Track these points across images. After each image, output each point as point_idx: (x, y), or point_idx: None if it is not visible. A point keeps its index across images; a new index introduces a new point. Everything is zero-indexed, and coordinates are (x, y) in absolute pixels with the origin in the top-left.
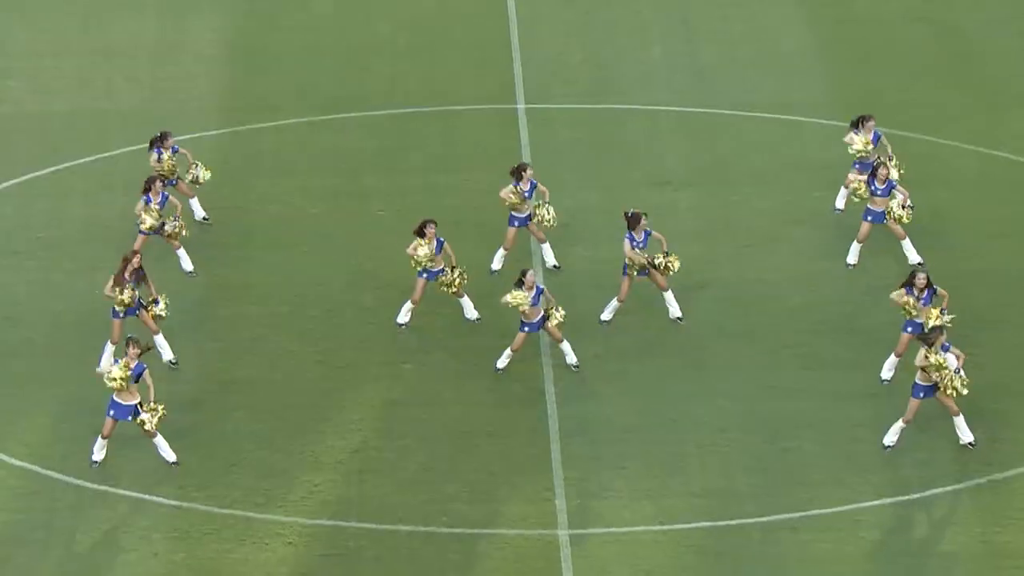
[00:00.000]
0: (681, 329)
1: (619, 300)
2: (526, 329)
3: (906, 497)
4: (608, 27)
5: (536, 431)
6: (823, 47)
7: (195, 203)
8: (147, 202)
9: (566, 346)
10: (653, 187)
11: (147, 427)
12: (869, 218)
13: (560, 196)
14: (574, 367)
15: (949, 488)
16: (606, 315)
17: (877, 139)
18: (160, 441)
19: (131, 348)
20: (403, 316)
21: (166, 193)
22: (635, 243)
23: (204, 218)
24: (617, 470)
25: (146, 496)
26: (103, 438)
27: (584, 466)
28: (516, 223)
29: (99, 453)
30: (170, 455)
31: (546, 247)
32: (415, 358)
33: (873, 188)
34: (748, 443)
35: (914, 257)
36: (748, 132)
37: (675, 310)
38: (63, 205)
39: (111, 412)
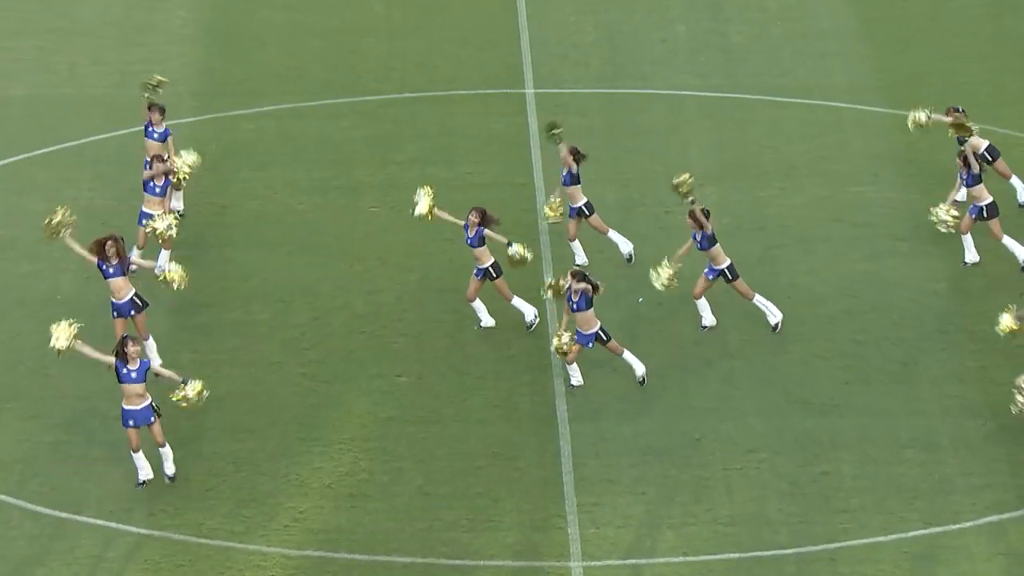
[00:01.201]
0: (706, 339)
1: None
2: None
3: (957, 526)
4: (625, 2)
5: (546, 452)
6: (865, 25)
7: (178, 195)
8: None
9: (628, 355)
10: None
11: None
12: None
13: None
14: (639, 380)
15: (1006, 515)
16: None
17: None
18: (167, 451)
19: (131, 346)
20: (486, 319)
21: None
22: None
23: (180, 213)
24: (635, 495)
25: (113, 524)
26: (135, 452)
27: (599, 491)
28: (572, 213)
29: (144, 471)
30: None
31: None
32: (411, 370)
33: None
34: (780, 465)
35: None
36: (781, 119)
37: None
38: (21, 200)
39: (129, 422)
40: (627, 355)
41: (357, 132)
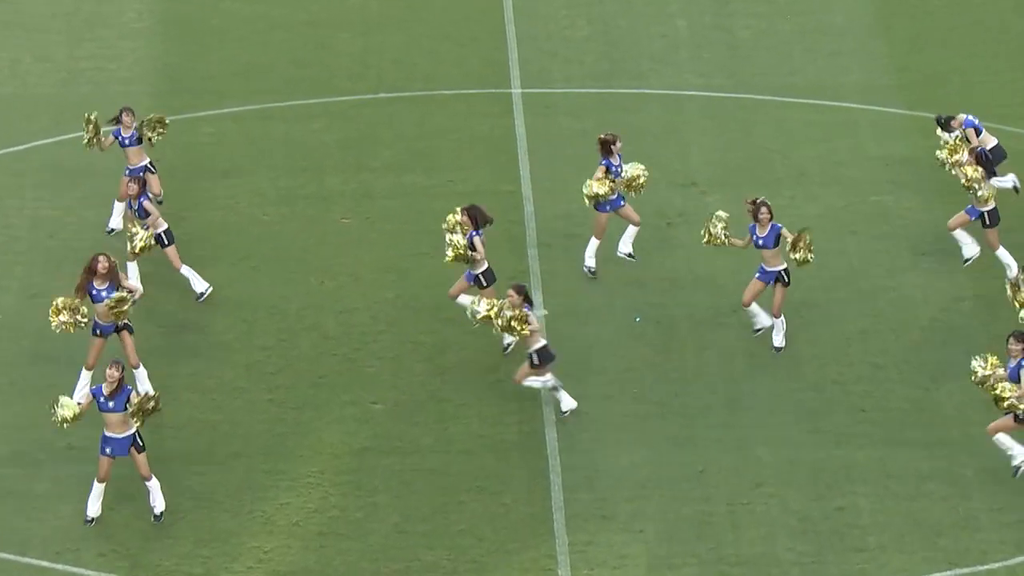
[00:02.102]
0: (710, 362)
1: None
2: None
3: (985, 567)
4: None
5: (534, 486)
6: (881, 20)
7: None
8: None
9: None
10: (676, 188)
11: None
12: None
13: (563, 198)
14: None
15: None
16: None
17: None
18: (153, 484)
19: (112, 370)
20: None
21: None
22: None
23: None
24: (632, 533)
25: (59, 566)
26: (99, 482)
27: (592, 528)
28: (608, 207)
29: (94, 505)
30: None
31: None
32: (387, 396)
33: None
34: (791, 500)
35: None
36: (790, 121)
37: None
38: None
39: (107, 450)
40: (557, 392)
41: (328, 136)
